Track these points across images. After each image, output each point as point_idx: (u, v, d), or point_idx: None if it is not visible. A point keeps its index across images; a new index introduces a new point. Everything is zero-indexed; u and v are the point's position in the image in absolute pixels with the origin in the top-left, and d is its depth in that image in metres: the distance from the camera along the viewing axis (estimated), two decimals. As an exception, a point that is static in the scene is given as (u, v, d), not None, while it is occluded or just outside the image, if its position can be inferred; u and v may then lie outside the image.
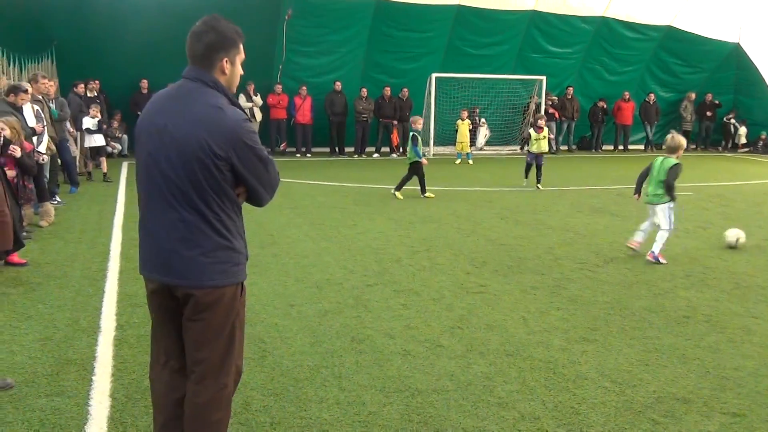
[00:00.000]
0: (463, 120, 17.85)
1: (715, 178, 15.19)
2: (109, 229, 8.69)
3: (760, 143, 23.16)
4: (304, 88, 18.08)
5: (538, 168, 13.23)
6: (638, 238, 7.93)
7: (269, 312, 5.60)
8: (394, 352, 4.81)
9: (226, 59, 2.87)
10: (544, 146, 13.39)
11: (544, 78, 20.30)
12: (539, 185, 13.21)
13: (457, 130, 18.12)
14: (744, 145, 23.68)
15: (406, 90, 19.25)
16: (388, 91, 18.88)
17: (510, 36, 20.22)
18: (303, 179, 13.72)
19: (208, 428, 2.95)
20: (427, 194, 11.73)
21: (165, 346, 3.03)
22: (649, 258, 7.55)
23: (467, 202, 11.43)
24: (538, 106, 20.30)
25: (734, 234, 8.41)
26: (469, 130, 18.11)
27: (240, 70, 2.97)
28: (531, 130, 13.75)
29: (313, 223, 9.31)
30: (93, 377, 4.33)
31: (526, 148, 16.42)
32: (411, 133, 11.81)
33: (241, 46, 2.94)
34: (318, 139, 18.81)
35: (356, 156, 18.74)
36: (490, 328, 5.33)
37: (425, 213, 10.29)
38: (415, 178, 11.74)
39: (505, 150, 21.15)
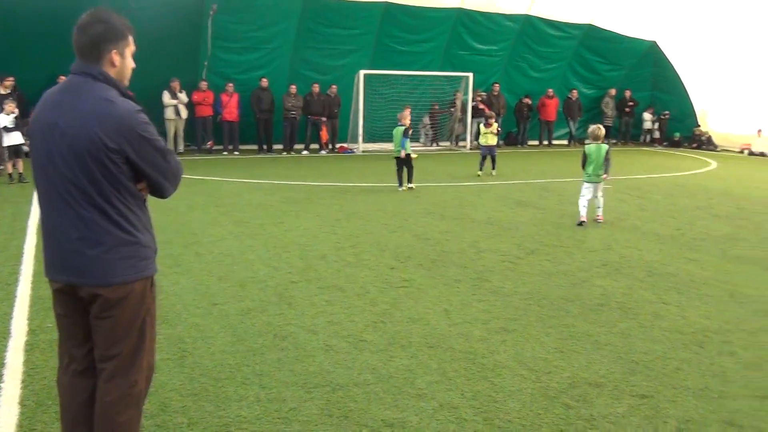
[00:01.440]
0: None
1: (632, 172, 15.74)
2: (23, 231, 8.36)
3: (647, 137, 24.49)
4: (231, 84, 17.81)
5: (492, 159, 14.78)
6: (584, 213, 9.47)
7: (190, 312, 5.51)
8: (316, 348, 4.80)
9: (115, 51, 2.80)
10: (492, 140, 14.68)
11: (470, 75, 20.64)
12: (494, 172, 14.70)
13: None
14: (657, 140, 24.70)
15: (334, 87, 19.22)
16: (316, 87, 18.81)
17: (437, 33, 20.46)
18: (230, 177, 13.53)
19: (117, 428, 2.89)
20: (412, 185, 12.38)
21: (69, 348, 2.96)
22: (600, 220, 9.58)
23: (396, 198, 11.51)
24: (464, 102, 20.63)
25: None
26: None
27: (131, 63, 2.91)
28: (481, 125, 15.36)
29: (238, 222, 9.20)
30: (1, 384, 4.17)
31: (475, 141, 17.99)
32: (402, 128, 12.47)
33: (131, 39, 2.88)
34: (245, 136, 18.57)
35: (285, 153, 18.60)
36: (412, 322, 5.39)
37: (352, 209, 10.31)
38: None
39: (435, 146, 21.41)
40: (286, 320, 5.36)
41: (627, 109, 24.12)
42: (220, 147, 18.25)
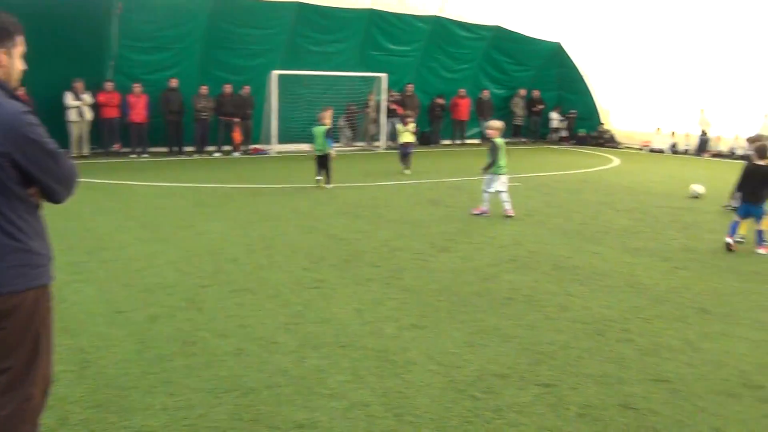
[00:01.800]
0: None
1: (541, 169, 16.25)
2: None
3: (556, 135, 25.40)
4: (138, 85, 17.27)
5: (406, 156, 15.24)
6: (486, 205, 10.10)
7: (94, 320, 5.32)
8: (226, 353, 4.73)
9: (2, 51, 2.68)
10: (409, 137, 15.26)
11: (384, 75, 20.78)
12: (408, 171, 15.04)
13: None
14: (564, 139, 25.58)
15: (247, 87, 18.94)
16: (228, 88, 18.47)
17: (351, 34, 20.49)
18: (138, 181, 13.12)
19: None
20: (329, 185, 12.65)
21: None
22: (510, 215, 9.94)
23: (310, 199, 11.47)
24: (378, 103, 20.76)
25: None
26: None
27: (21, 64, 2.79)
28: (398, 125, 15.91)
29: (146, 226, 8.95)
30: None
31: (390, 141, 18.74)
32: (323, 128, 12.78)
33: (20, 39, 2.76)
34: (154, 138, 18.01)
35: (196, 155, 18.19)
36: (325, 322, 5.39)
37: (265, 211, 10.20)
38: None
39: (351, 147, 21.44)
40: (195, 325, 5.25)
41: (535, 109, 24.89)
42: (128, 150, 17.67)
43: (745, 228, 8.49)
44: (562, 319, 5.54)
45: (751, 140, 8.94)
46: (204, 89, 17.97)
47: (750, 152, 9.50)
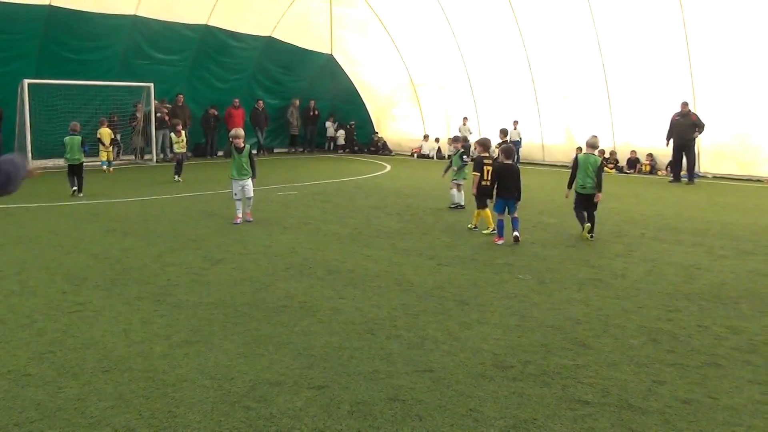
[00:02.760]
0: (103, 126, 17.76)
1: (318, 178, 16.57)
2: None
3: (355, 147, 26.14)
4: None
5: (180, 165, 15.78)
6: (240, 212, 10.33)
7: None
8: (-33, 392, 4.21)
9: None
10: (182, 147, 15.97)
11: (151, 85, 19.90)
12: (180, 178, 15.59)
13: (99, 139, 17.62)
14: (340, 147, 26.37)
15: (-6, 96, 17.13)
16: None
17: (113, 41, 19.36)
18: None
19: None
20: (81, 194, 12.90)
21: None
22: (250, 219, 10.38)
23: (72, 217, 10.63)
24: (147, 113, 19.86)
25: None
26: (111, 139, 18.10)
27: None
28: (172, 134, 16.35)
29: None
30: None
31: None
32: (78, 137, 13.22)
33: None
34: None
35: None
36: (86, 347, 5.01)
37: (19, 233, 9.28)
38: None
39: (118, 160, 20.22)
40: (-72, 365, 4.61)
41: (311, 115, 25.40)
42: None
43: (477, 218, 9.93)
44: (335, 322, 5.68)
45: (480, 143, 10.24)
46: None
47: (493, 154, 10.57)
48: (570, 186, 9.83)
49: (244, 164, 10.31)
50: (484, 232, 9.79)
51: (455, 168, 12.08)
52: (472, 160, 10.84)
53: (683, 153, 17.61)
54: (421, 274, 7.37)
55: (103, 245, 8.59)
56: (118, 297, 6.31)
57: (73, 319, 5.67)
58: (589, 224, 9.49)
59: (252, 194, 10.46)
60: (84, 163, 13.22)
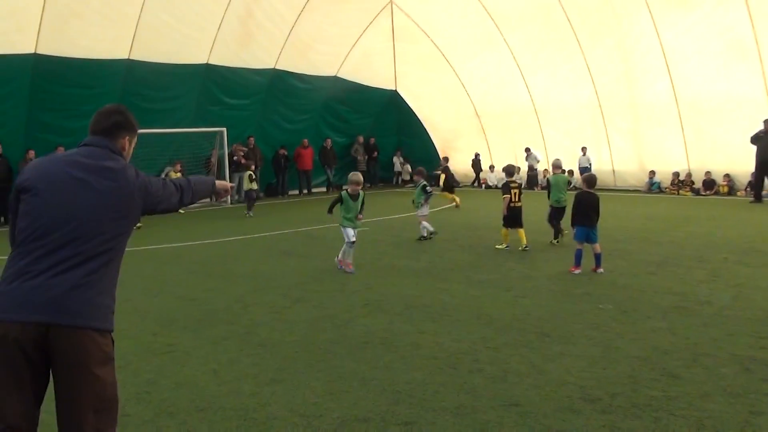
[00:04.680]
0: (175, 173, 18.83)
1: (386, 213, 16.73)
2: None
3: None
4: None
5: (252, 201, 17.20)
6: (351, 258, 9.62)
7: None
8: (73, 432, 4.43)
9: None
10: (253, 184, 17.42)
11: (224, 129, 20.63)
12: (251, 213, 16.95)
13: None
14: (407, 182, 26.55)
15: (61, 147, 17.98)
16: (61, 150, 17.49)
17: (186, 90, 20.19)
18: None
19: None
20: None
21: None
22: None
23: (154, 260, 11.07)
24: (221, 157, 20.55)
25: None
26: None
27: None
28: (248, 173, 17.87)
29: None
30: None
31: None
32: None
33: None
34: (-22, 208, 16.67)
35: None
36: (179, 387, 5.21)
37: (108, 277, 9.70)
38: None
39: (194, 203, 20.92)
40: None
41: (374, 155, 25.77)
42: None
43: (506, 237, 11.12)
44: (416, 357, 5.72)
45: (505, 169, 11.85)
46: (31, 154, 16.88)
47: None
48: (550, 197, 11.67)
49: (358, 210, 9.71)
50: (500, 246, 11.03)
51: (421, 201, 12.25)
52: (501, 186, 11.71)
53: (765, 172, 17.00)
54: (498, 307, 7.35)
55: (186, 286, 8.91)
56: (206, 337, 6.53)
57: (164, 359, 5.91)
58: (562, 236, 11.40)
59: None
60: None
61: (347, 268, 9.53)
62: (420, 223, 12.36)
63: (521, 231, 10.98)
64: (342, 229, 9.67)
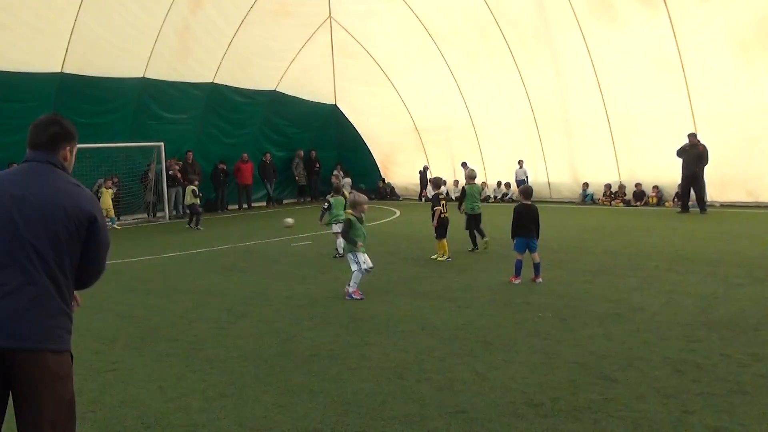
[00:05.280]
0: (107, 188, 18.58)
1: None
2: None
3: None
4: None
5: (197, 215, 17.38)
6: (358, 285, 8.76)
7: None
8: (16, 455, 4.33)
9: None
10: (194, 200, 17.55)
11: (162, 144, 20.32)
12: (200, 227, 17.18)
13: (100, 198, 17.97)
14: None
15: (14, 164, 17.40)
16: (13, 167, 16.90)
17: (122, 103, 19.84)
18: None
19: None
20: None
21: None
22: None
23: (92, 277, 10.80)
24: (158, 173, 20.24)
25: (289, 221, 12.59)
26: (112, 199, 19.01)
27: None
28: (192, 187, 17.93)
29: None
30: None
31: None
32: None
33: None
34: None
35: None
36: (125, 405, 5.14)
37: (44, 296, 9.44)
38: None
39: (131, 219, 20.52)
40: (-26, 431, 4.74)
41: (316, 168, 25.78)
42: None
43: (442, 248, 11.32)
44: (364, 368, 5.79)
45: (432, 182, 12.56)
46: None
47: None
48: (460, 208, 12.59)
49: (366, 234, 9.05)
50: (435, 257, 11.39)
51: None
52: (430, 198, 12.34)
53: (691, 184, 17.79)
54: (442, 317, 7.50)
55: (127, 304, 8.76)
56: (150, 354, 6.45)
57: (108, 378, 5.81)
58: (487, 238, 12.24)
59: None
60: None
61: (356, 295, 8.62)
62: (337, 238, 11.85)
63: (444, 242, 11.50)
64: (351, 256, 8.81)
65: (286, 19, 21.49)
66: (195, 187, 17.90)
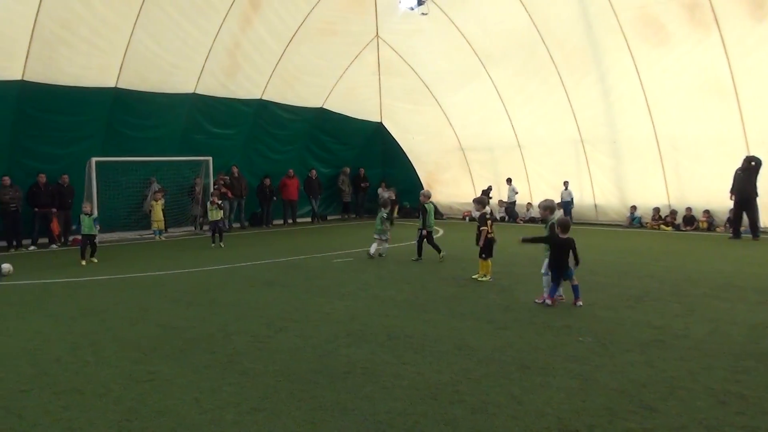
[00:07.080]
0: (157, 201, 19.09)
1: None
2: None
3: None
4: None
5: (220, 232, 17.17)
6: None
7: None
8: (53, 460, 4.43)
9: None
10: (217, 215, 17.17)
11: (210, 158, 20.72)
12: (222, 244, 16.86)
13: (151, 211, 19.15)
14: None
15: (66, 176, 18.04)
16: (42, 178, 17.50)
17: (172, 118, 20.30)
18: (-61, 282, 11.93)
19: None
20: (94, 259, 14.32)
21: None
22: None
23: (137, 288, 11.04)
24: (206, 186, 20.60)
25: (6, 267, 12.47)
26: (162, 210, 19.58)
27: None
28: (208, 203, 17.81)
29: (-48, 331, 8.16)
30: None
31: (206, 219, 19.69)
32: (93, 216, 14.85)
33: None
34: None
35: (13, 250, 16.88)
36: (161, 415, 5.21)
37: (89, 305, 9.68)
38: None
39: (178, 231, 20.91)
40: (15, 435, 4.86)
41: (363, 185, 25.92)
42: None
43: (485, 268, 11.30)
44: (398, 387, 5.76)
45: (478, 201, 12.21)
46: (6, 180, 16.83)
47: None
48: (424, 226, 13.85)
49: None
50: (476, 276, 11.36)
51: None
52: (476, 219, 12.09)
53: (744, 209, 17.28)
54: (479, 338, 7.41)
55: (168, 315, 8.90)
56: (188, 366, 6.53)
57: (146, 387, 5.90)
58: (444, 252, 13.67)
59: None
60: (96, 236, 14.75)
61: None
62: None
63: (488, 262, 11.43)
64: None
65: (333, 37, 21.76)
66: (218, 201, 17.66)
